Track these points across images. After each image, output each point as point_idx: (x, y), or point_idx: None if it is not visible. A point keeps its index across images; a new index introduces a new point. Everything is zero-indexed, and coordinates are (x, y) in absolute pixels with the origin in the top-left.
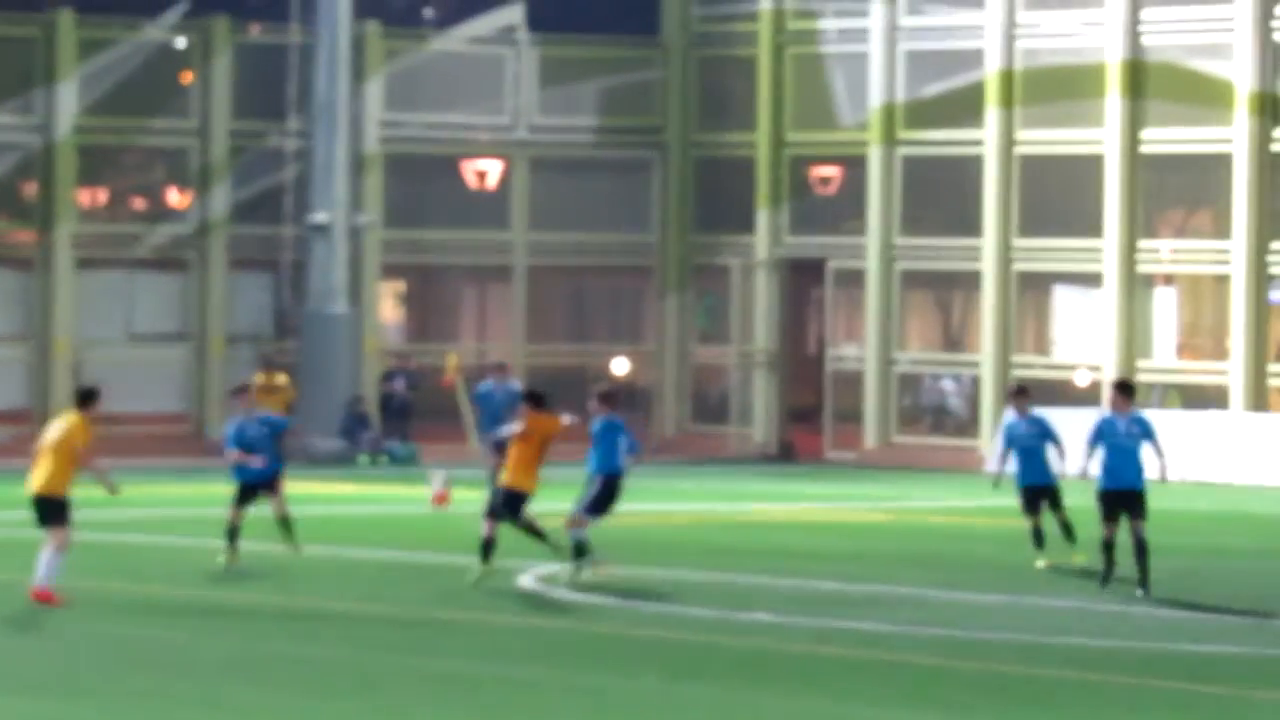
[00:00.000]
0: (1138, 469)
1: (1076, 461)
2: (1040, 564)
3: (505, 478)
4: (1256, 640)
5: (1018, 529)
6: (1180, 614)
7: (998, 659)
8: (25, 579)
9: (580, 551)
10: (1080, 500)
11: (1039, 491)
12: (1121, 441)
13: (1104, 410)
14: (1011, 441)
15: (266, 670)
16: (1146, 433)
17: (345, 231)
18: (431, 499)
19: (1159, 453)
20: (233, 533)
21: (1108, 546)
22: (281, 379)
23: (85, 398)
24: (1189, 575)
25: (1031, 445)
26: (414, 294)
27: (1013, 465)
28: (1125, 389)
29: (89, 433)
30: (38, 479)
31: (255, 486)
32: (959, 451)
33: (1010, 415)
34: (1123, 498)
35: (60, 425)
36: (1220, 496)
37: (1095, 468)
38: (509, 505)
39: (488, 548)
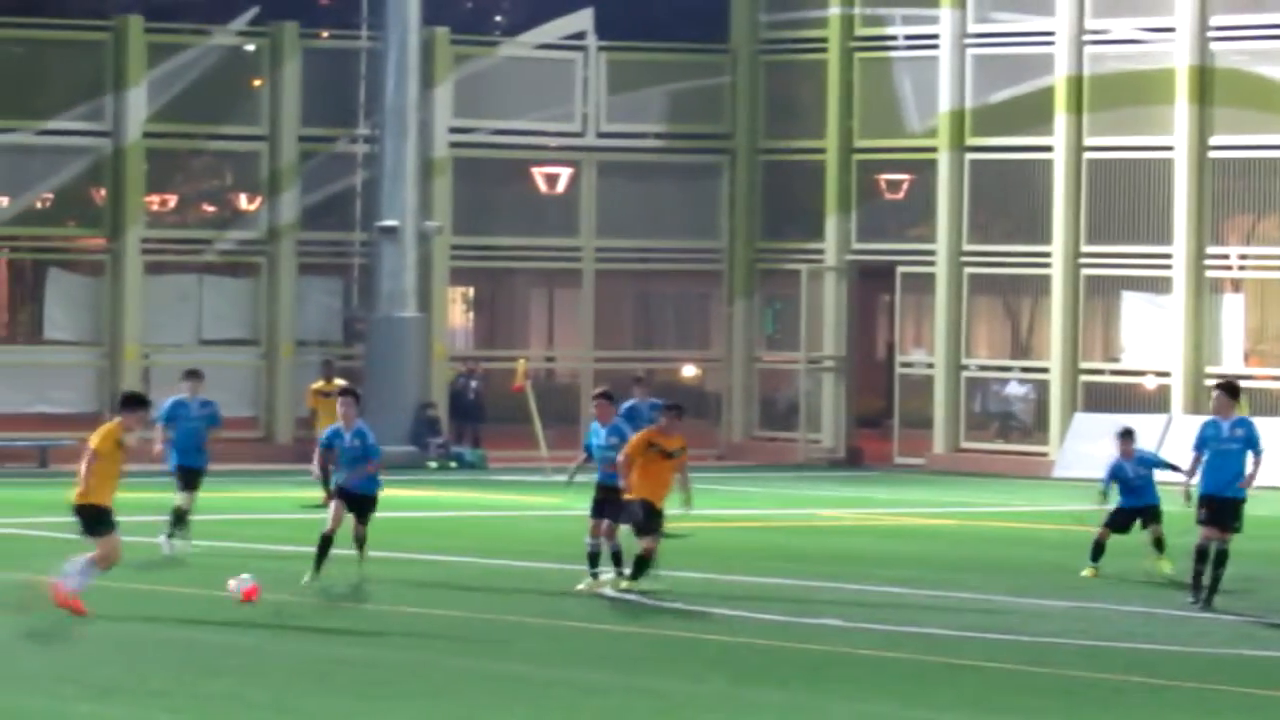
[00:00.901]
0: (1239, 475)
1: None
2: (1086, 573)
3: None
4: None
5: (1084, 535)
6: (1244, 619)
7: (1064, 663)
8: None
9: (608, 560)
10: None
11: (1137, 512)
12: (1225, 446)
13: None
14: (1122, 483)
15: (335, 674)
16: (1250, 438)
17: (414, 236)
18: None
19: (1256, 459)
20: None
21: (1202, 554)
22: (340, 385)
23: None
24: (1254, 581)
25: (1141, 484)
26: (482, 299)
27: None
28: (1231, 391)
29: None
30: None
31: (354, 500)
32: (1027, 457)
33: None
34: (1223, 504)
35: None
36: None
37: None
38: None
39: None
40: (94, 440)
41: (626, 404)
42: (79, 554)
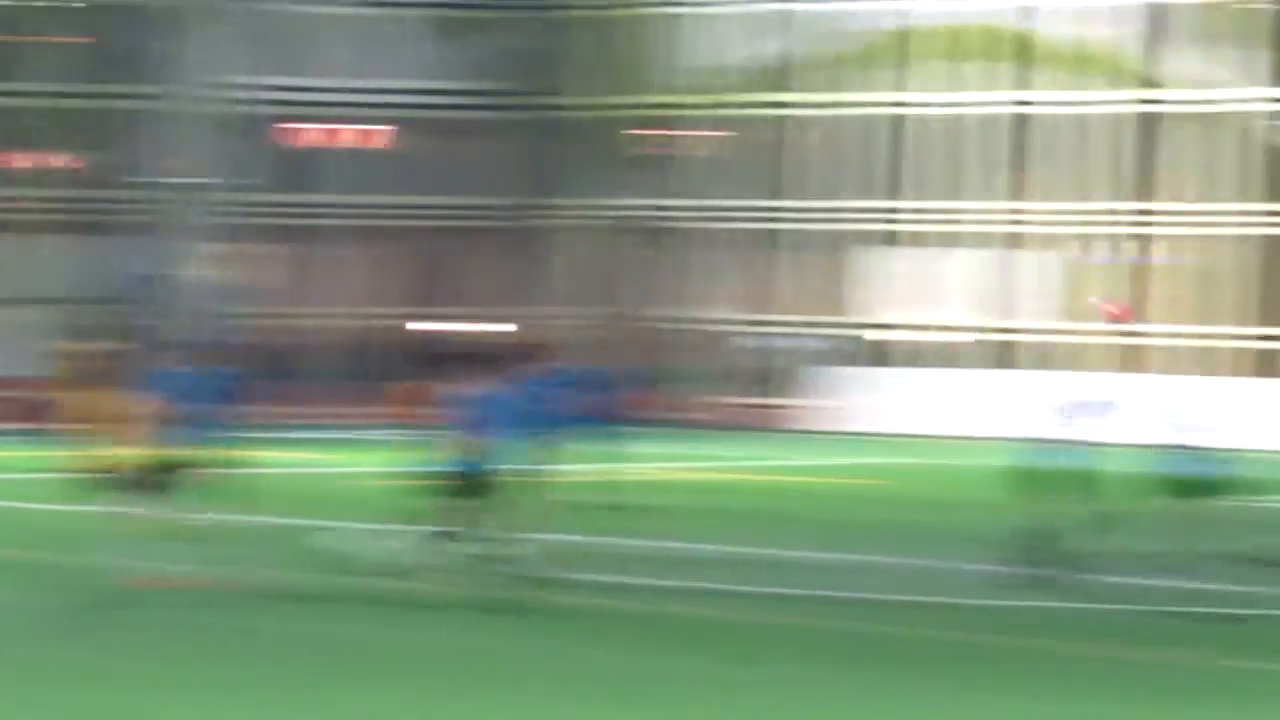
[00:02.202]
0: None
1: None
2: None
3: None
4: (1076, 596)
5: (828, 487)
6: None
7: (817, 615)
8: None
9: None
10: None
11: None
12: None
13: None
14: None
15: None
16: None
17: (209, 193)
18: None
19: None
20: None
21: None
22: (91, 347)
23: None
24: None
25: None
26: (293, 256)
27: None
28: None
29: None
30: None
31: None
32: (780, 411)
33: None
34: None
35: None
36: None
37: None
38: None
39: None
40: None
41: None
42: None
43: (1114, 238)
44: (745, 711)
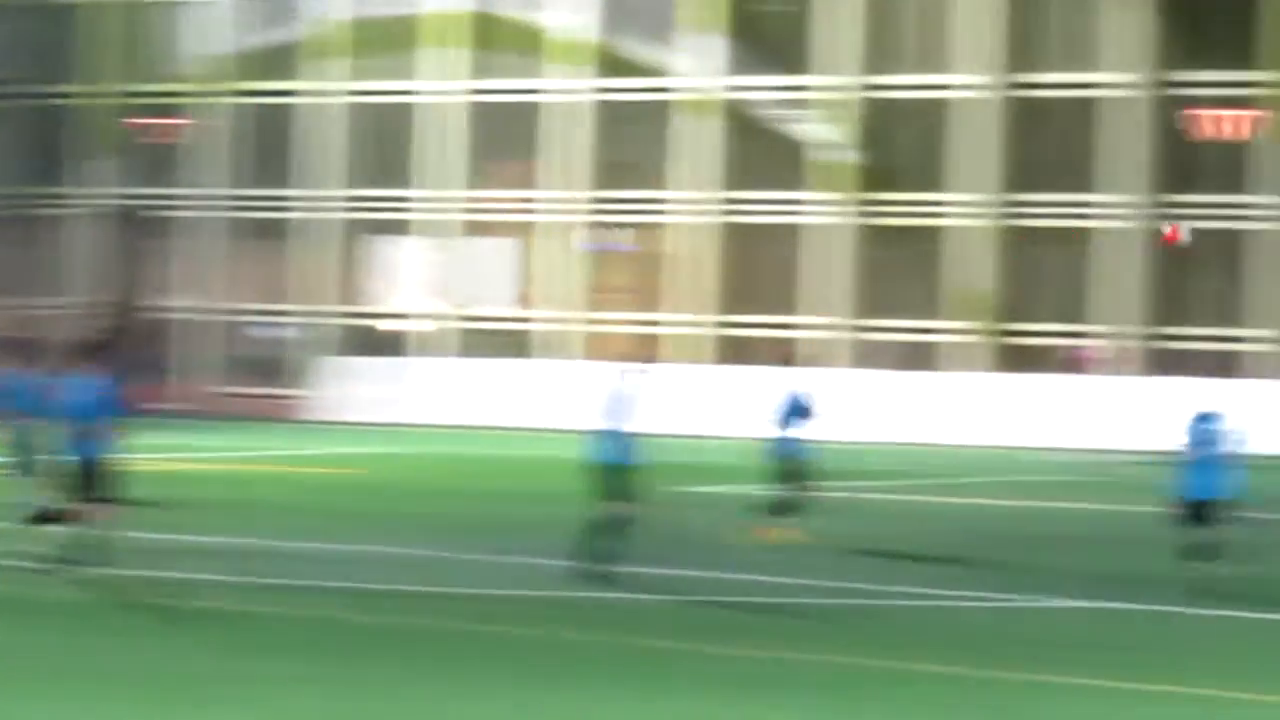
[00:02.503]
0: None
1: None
2: None
3: None
4: (609, 586)
5: (340, 478)
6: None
7: (316, 605)
8: None
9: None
10: None
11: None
12: None
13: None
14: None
15: None
16: None
17: None
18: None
19: None
20: None
21: None
22: None
23: None
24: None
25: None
26: None
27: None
28: None
29: None
30: None
31: None
32: (289, 401)
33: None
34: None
35: None
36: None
37: None
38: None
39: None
40: None
41: None
42: None
43: (603, 225)
44: (249, 703)
